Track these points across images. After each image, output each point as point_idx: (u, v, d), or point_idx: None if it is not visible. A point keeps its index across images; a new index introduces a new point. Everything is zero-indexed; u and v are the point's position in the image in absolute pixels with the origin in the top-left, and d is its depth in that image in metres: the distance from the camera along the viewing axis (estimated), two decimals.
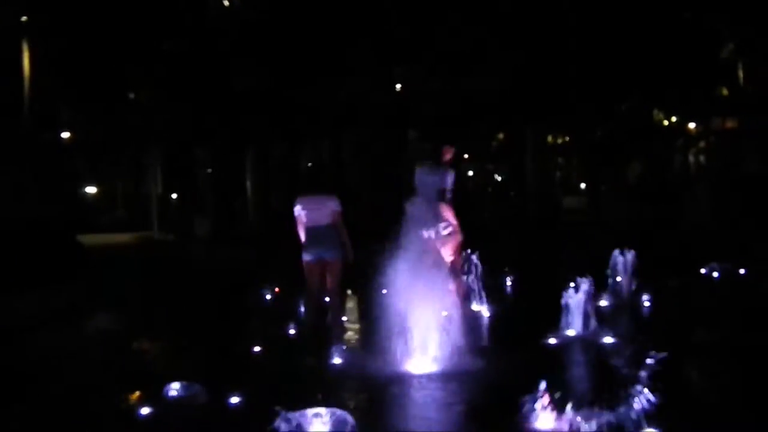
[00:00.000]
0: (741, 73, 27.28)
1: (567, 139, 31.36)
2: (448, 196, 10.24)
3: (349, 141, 28.35)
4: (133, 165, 36.02)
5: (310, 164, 32.29)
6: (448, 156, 10.37)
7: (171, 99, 25.18)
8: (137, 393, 6.81)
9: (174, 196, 31.11)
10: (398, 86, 27.85)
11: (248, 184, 29.65)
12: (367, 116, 25.78)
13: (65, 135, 28.66)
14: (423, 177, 10.35)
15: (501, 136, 30.83)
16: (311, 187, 9.68)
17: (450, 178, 10.37)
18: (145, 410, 6.54)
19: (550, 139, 30.60)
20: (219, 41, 24.46)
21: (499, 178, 27.87)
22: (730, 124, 28.94)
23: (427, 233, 10.00)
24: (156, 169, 32.73)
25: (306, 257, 9.35)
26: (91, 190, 36.53)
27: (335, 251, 9.34)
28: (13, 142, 16.00)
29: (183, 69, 24.16)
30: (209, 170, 30.35)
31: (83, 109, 26.78)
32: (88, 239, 19.52)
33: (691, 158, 32.81)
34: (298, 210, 9.40)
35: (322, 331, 9.28)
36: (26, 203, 15.72)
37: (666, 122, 31.00)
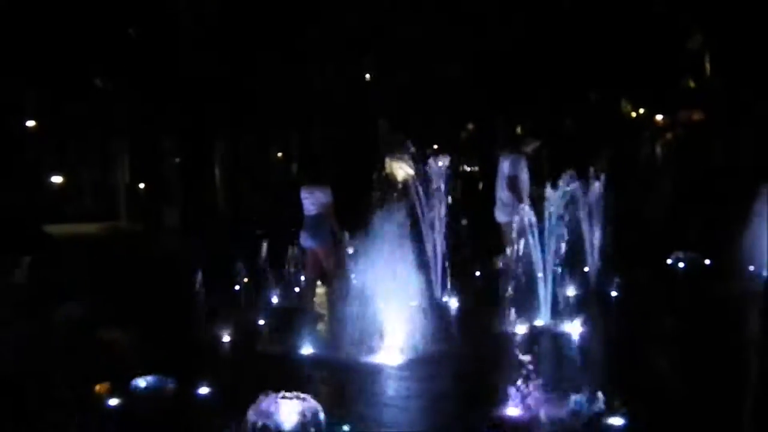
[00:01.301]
0: (708, 65, 27.55)
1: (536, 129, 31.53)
2: (520, 183, 10.48)
3: (318, 132, 28.24)
4: (99, 154, 35.55)
5: (280, 154, 32.14)
6: (530, 147, 10.53)
7: (131, 86, 24.93)
8: (105, 384, 6.75)
9: (142, 185, 30.79)
10: (367, 76, 27.77)
11: (217, 173, 29.43)
12: (333, 107, 25.71)
13: (30, 123, 28.26)
14: (500, 163, 10.72)
15: (470, 126, 30.87)
16: (307, 177, 10.30)
17: (519, 166, 10.43)
18: (113, 401, 6.50)
19: (519, 129, 30.73)
20: (178, 27, 24.28)
21: (468, 169, 27.97)
22: (696, 116, 29.22)
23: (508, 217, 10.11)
24: (123, 159, 32.37)
25: (301, 243, 10.11)
26: (56, 179, 36.00)
27: (320, 239, 9.80)
28: None
29: (143, 56, 23.93)
30: (177, 160, 30.06)
31: (48, 96, 26.39)
32: (55, 229, 19.25)
33: (658, 150, 33.11)
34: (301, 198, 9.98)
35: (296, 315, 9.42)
36: None
37: (633, 114, 31.22)
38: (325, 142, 27.41)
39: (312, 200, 9.85)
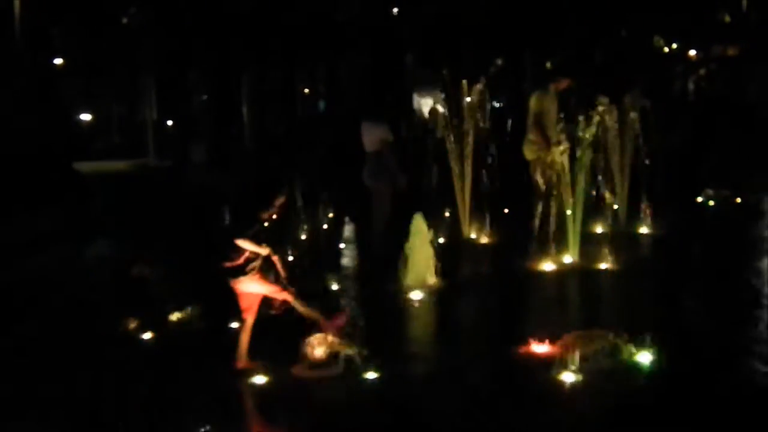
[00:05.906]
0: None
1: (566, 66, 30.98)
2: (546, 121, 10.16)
3: (345, 67, 27.96)
4: (127, 92, 35.56)
5: (306, 90, 31.92)
6: (563, 85, 10.30)
7: (158, 22, 24.74)
8: (137, 319, 6.85)
9: (169, 122, 30.82)
10: (395, 10, 27.35)
11: (244, 109, 29.35)
12: (360, 39, 25.38)
13: (58, 61, 28.26)
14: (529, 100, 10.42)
15: (500, 62, 30.42)
16: (366, 114, 10.05)
17: (544, 103, 10.20)
18: (146, 335, 6.62)
19: (549, 65, 30.21)
20: None
21: (497, 105, 27.59)
22: (731, 51, 28.56)
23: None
24: (151, 95, 32.36)
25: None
26: (85, 117, 36.09)
27: (377, 177, 9.61)
28: (6, 65, 15.76)
29: None
30: (204, 96, 30.03)
31: (75, 33, 26.34)
32: (85, 166, 19.37)
33: (690, 85, 32.49)
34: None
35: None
36: (20, 129, 15.55)
37: (666, 49, 30.55)
38: (350, 78, 27.17)
39: (370, 137, 9.50)
